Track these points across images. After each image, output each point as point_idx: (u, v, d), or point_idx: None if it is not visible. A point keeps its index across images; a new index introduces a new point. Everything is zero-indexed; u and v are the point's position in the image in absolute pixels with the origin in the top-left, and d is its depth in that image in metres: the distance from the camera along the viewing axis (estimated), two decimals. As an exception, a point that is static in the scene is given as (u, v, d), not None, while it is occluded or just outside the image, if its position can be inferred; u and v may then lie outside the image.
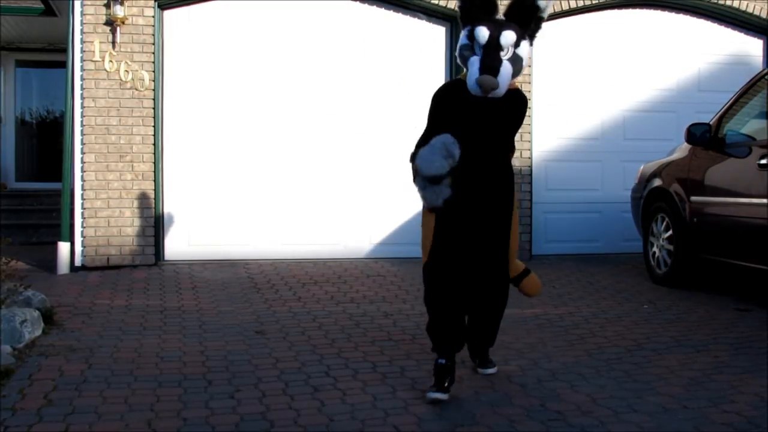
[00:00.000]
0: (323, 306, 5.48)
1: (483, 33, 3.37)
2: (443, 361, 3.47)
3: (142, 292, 5.98)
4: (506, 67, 3.37)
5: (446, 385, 3.44)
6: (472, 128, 3.50)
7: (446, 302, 3.54)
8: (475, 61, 3.39)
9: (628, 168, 7.72)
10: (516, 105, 3.59)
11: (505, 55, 3.38)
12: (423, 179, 3.42)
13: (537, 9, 3.47)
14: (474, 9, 3.45)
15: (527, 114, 7.50)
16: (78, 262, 6.98)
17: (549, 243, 7.93)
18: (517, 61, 3.42)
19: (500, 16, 3.50)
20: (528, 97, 7.62)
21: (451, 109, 3.53)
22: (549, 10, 3.53)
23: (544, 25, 3.54)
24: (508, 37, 3.37)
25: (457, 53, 3.55)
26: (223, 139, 7.40)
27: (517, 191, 7.67)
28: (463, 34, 3.50)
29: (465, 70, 3.49)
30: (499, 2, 3.49)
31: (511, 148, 3.78)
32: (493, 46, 3.36)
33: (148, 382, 3.70)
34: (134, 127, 7.05)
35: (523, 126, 7.61)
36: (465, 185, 3.48)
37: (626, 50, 8.13)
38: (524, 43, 3.45)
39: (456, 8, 3.63)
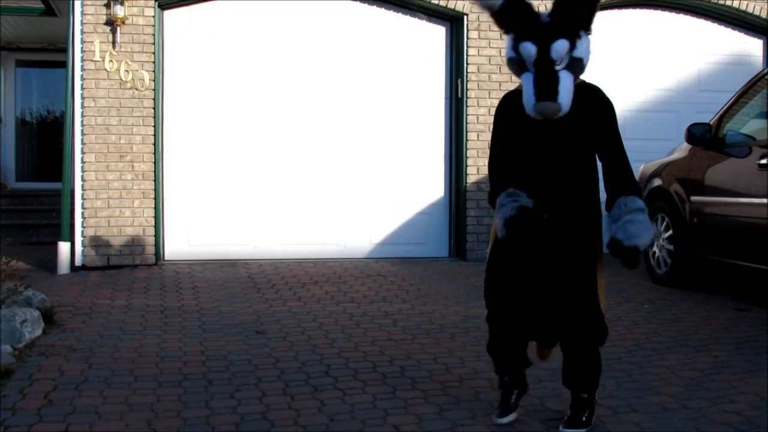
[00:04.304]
0: (323, 306, 5.48)
1: (530, 50, 2.93)
2: (507, 378, 3.28)
3: (142, 291, 5.98)
4: (565, 80, 2.94)
5: (512, 402, 3.25)
6: (539, 153, 3.06)
7: (507, 323, 3.18)
8: (528, 81, 2.96)
9: (628, 168, 7.71)
10: (586, 106, 3.05)
11: (560, 66, 2.95)
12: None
13: None
14: (512, 16, 3.01)
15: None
16: (78, 261, 6.98)
17: (549, 243, 7.92)
18: (576, 65, 3.00)
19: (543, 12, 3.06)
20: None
21: (513, 130, 3.12)
22: None
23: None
24: (559, 49, 2.93)
25: (506, 63, 3.13)
26: (223, 139, 7.41)
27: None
28: (508, 43, 3.05)
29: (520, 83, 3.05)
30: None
31: (614, 160, 3.05)
32: (545, 62, 2.93)
33: (148, 382, 3.70)
34: (134, 127, 7.05)
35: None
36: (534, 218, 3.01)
37: (626, 50, 8.11)
38: (580, 42, 3.01)
39: (484, 11, 3.20)
